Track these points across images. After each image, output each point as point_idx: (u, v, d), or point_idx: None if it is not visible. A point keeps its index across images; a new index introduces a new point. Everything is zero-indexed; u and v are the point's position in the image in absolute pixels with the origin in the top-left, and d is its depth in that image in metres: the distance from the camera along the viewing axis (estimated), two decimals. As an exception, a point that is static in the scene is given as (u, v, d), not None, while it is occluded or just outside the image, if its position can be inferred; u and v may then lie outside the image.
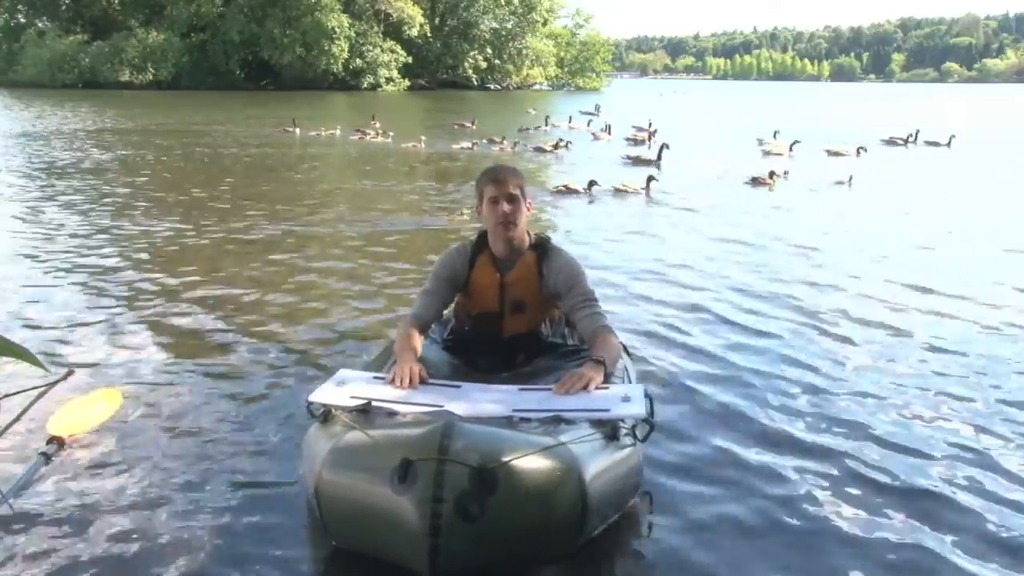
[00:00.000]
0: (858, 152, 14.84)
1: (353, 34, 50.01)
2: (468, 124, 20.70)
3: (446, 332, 3.25)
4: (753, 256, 6.48)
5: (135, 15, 50.61)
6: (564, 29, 64.51)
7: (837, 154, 14.91)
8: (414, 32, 52.39)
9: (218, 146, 15.60)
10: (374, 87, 51.19)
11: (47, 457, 2.73)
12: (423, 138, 16.45)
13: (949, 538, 2.42)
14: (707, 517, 2.52)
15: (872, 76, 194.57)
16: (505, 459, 1.95)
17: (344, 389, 2.52)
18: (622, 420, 2.38)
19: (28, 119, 22.12)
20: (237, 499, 2.58)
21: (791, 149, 15.02)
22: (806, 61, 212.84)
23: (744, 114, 31.79)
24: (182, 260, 6.12)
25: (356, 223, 7.77)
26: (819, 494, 2.67)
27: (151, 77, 47.01)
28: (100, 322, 4.50)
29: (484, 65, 58.40)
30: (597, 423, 2.32)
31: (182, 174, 11.62)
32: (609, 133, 18.82)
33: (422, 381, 2.60)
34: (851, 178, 10.90)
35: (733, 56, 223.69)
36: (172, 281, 5.46)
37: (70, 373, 2.91)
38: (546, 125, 21.60)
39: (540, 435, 2.17)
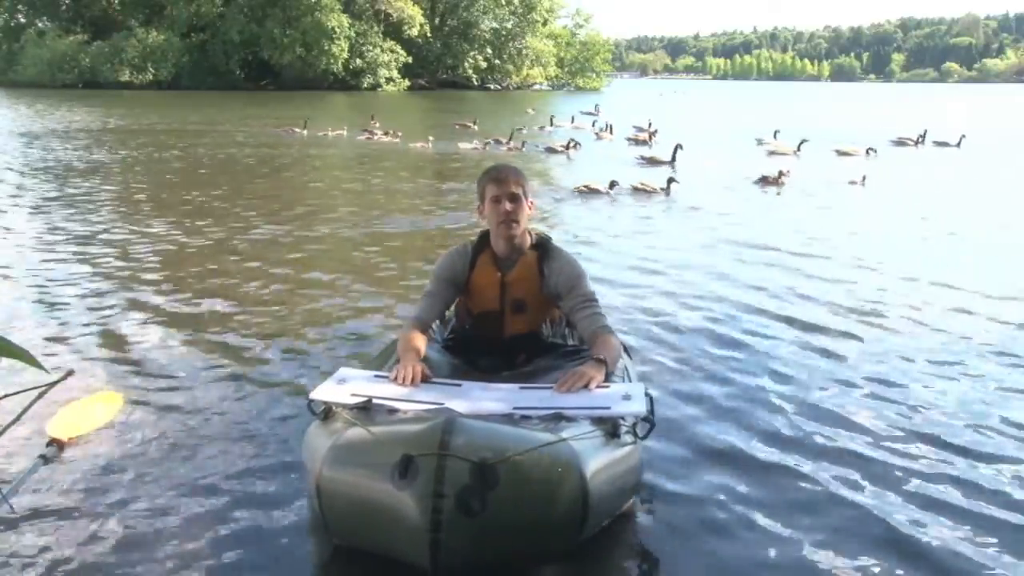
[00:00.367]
0: (868, 152, 14.80)
1: (353, 34, 50.03)
2: (470, 124, 20.70)
3: (447, 332, 3.26)
4: (764, 257, 6.45)
5: (135, 15, 50.65)
6: (564, 29, 64.52)
7: (846, 154, 14.89)
8: (414, 32, 52.40)
9: (221, 146, 15.61)
10: (374, 87, 51.21)
11: (46, 459, 2.73)
12: (431, 138, 16.48)
13: (951, 539, 2.42)
14: (707, 516, 2.52)
15: (872, 76, 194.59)
16: (506, 455, 1.96)
17: (345, 387, 2.52)
18: (623, 418, 2.38)
19: (28, 119, 22.13)
20: (238, 497, 2.58)
21: (799, 149, 14.99)
22: (806, 61, 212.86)
23: (746, 114, 31.79)
24: (183, 260, 6.12)
25: (361, 223, 7.78)
26: (820, 494, 2.67)
27: (151, 77, 47.04)
28: (100, 323, 4.50)
29: (484, 65, 58.42)
30: (598, 421, 2.32)
31: (183, 174, 11.63)
32: (611, 133, 18.86)
33: (424, 380, 2.61)
34: (864, 178, 10.89)
35: (733, 56, 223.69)
36: (173, 281, 5.46)
37: (70, 374, 2.90)
38: (551, 125, 21.66)
39: (541, 432, 2.18)
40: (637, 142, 17.50)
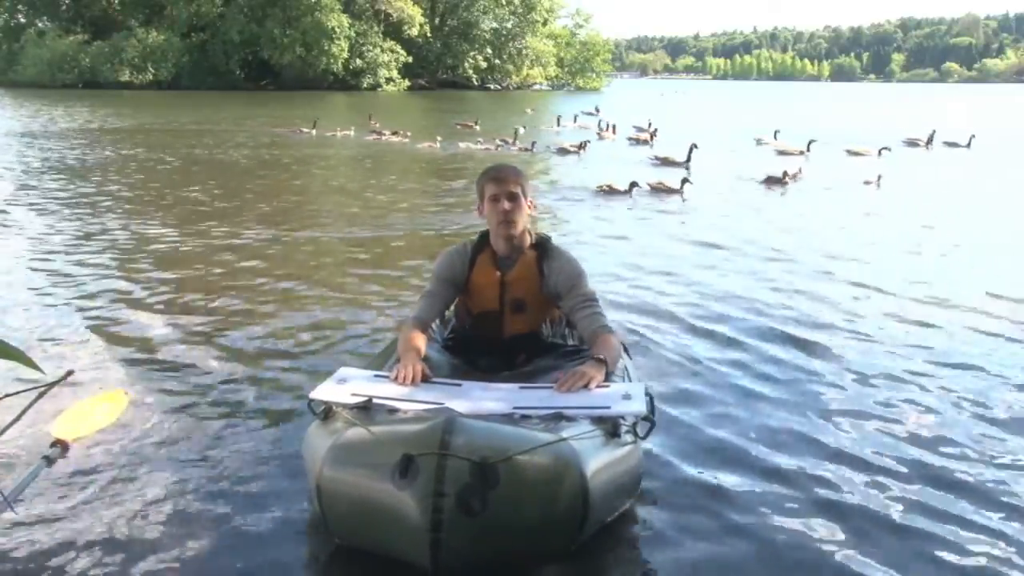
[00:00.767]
0: (880, 152, 14.78)
1: (353, 34, 50.00)
2: (471, 124, 20.69)
3: (447, 332, 3.26)
4: (773, 257, 6.41)
5: (135, 15, 50.61)
6: (564, 29, 64.49)
7: (857, 154, 14.88)
8: (414, 32, 52.38)
9: (223, 147, 15.60)
10: (374, 87, 51.20)
11: (50, 460, 2.72)
12: (439, 138, 16.50)
13: (949, 550, 2.40)
14: (707, 515, 2.52)
15: (872, 76, 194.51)
16: (506, 454, 1.96)
17: (345, 387, 2.52)
18: (623, 417, 2.38)
19: (28, 119, 22.13)
20: (238, 497, 2.58)
21: (808, 149, 14.96)
22: (806, 61, 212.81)
23: (748, 114, 31.70)
24: (184, 260, 6.12)
25: (365, 222, 7.79)
26: (821, 495, 2.67)
27: (151, 77, 47.01)
28: (101, 323, 4.50)
29: (484, 65, 58.40)
30: (598, 420, 2.32)
31: (185, 174, 11.63)
32: (614, 132, 18.90)
33: (425, 379, 2.61)
34: (880, 178, 10.88)
35: (733, 56, 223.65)
36: (174, 281, 5.46)
37: (69, 373, 2.90)
38: (557, 125, 21.73)
39: (541, 431, 2.18)
40: (638, 142, 17.53)
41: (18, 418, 2.61)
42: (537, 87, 62.05)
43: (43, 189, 9.75)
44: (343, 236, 7.16)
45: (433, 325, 3.13)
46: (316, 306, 4.87)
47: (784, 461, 2.89)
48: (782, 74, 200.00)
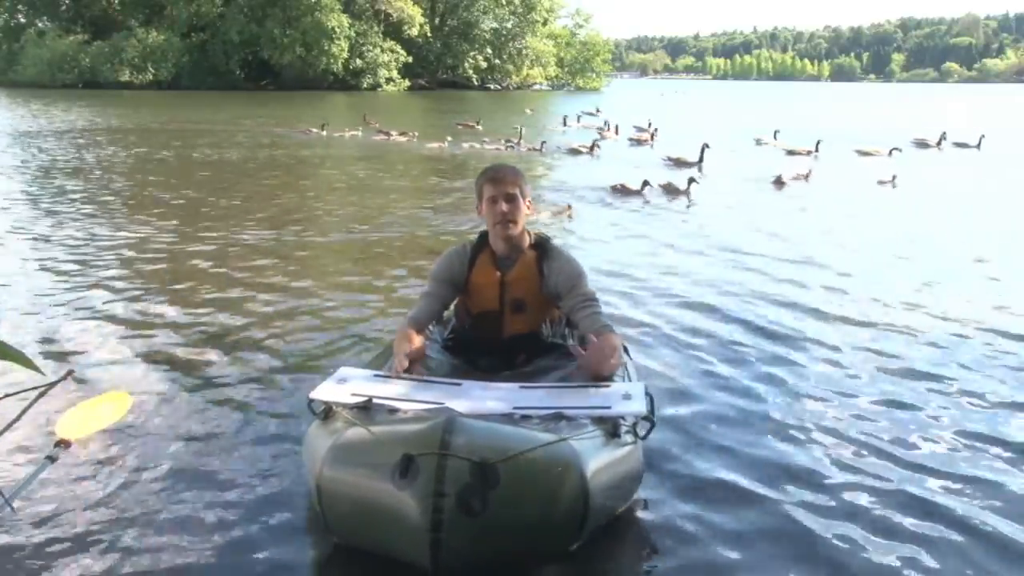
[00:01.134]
0: (891, 153, 14.74)
1: (353, 34, 50.01)
2: (473, 124, 20.69)
3: (447, 332, 3.25)
4: (780, 258, 6.35)
5: (135, 15, 50.62)
6: (564, 29, 64.50)
7: (868, 154, 14.86)
8: (414, 32, 52.39)
9: (227, 147, 15.58)
10: (374, 87, 51.20)
11: (52, 460, 2.72)
12: (448, 138, 16.51)
13: (950, 547, 2.39)
14: (707, 515, 2.52)
15: (872, 76, 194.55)
16: (506, 454, 1.96)
17: (345, 387, 2.52)
18: (623, 417, 2.38)
19: (28, 119, 22.13)
20: (239, 497, 2.58)
21: (816, 149, 14.95)
22: (806, 61, 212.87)
23: (749, 114, 31.58)
24: (185, 260, 6.11)
25: (369, 223, 7.77)
26: (821, 495, 2.67)
27: (151, 77, 47.03)
28: (101, 323, 4.50)
29: (484, 65, 58.41)
30: (598, 420, 2.32)
31: (186, 175, 11.62)
32: (616, 132, 18.94)
33: (414, 372, 2.63)
34: (894, 178, 10.87)
35: (733, 56, 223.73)
36: (175, 281, 5.46)
37: (70, 373, 2.90)
38: (564, 125, 21.78)
39: (541, 431, 2.18)
40: (639, 142, 17.56)
41: (18, 418, 2.60)
42: (537, 87, 62.06)
43: (43, 189, 9.75)
44: (345, 236, 7.16)
45: (432, 325, 3.13)
46: (317, 306, 4.87)
47: (785, 461, 2.89)
48: (782, 74, 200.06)
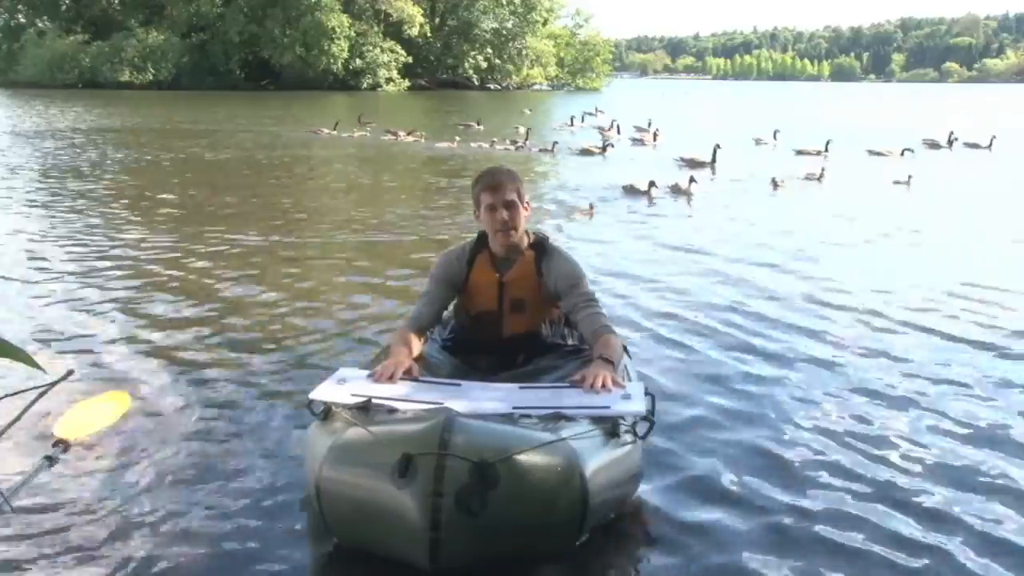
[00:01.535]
0: (903, 153, 14.71)
1: (353, 34, 49.96)
2: (474, 125, 20.68)
3: (446, 332, 3.25)
4: (784, 258, 6.34)
5: (135, 15, 50.56)
6: (564, 29, 64.42)
7: (879, 154, 14.85)
8: (414, 32, 52.34)
9: (228, 147, 15.59)
10: (374, 87, 51.16)
11: (51, 460, 2.72)
12: (457, 138, 16.50)
13: (952, 548, 2.39)
14: (707, 515, 2.52)
15: (872, 76, 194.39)
16: (505, 454, 1.96)
17: (345, 387, 2.53)
18: (622, 417, 2.38)
19: (28, 119, 22.13)
20: (239, 497, 2.59)
21: (826, 149, 14.94)
22: (806, 61, 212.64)
23: (751, 114, 31.51)
24: (186, 260, 6.12)
25: (371, 223, 7.77)
26: (820, 495, 2.67)
27: (151, 77, 47.01)
28: (101, 323, 4.50)
29: (484, 65, 58.37)
30: (598, 420, 2.32)
31: (186, 175, 11.63)
32: (618, 132, 18.95)
33: (408, 374, 2.62)
34: (909, 178, 10.87)
35: (733, 56, 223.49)
36: (175, 281, 5.46)
37: (70, 373, 2.90)
38: (571, 124, 21.86)
39: (541, 431, 2.18)
40: (642, 142, 17.57)
41: (18, 418, 2.61)
42: (537, 87, 62.02)
43: (43, 189, 9.76)
44: (347, 236, 7.16)
45: (432, 326, 3.13)
46: (317, 307, 4.88)
47: (784, 461, 2.90)
48: (782, 74, 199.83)
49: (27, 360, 1.04)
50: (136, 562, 2.24)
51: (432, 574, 1.96)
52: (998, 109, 40.26)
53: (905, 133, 19.16)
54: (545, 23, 61.00)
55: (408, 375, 2.63)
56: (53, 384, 2.84)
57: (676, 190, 9.84)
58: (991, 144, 17.15)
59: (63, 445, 2.82)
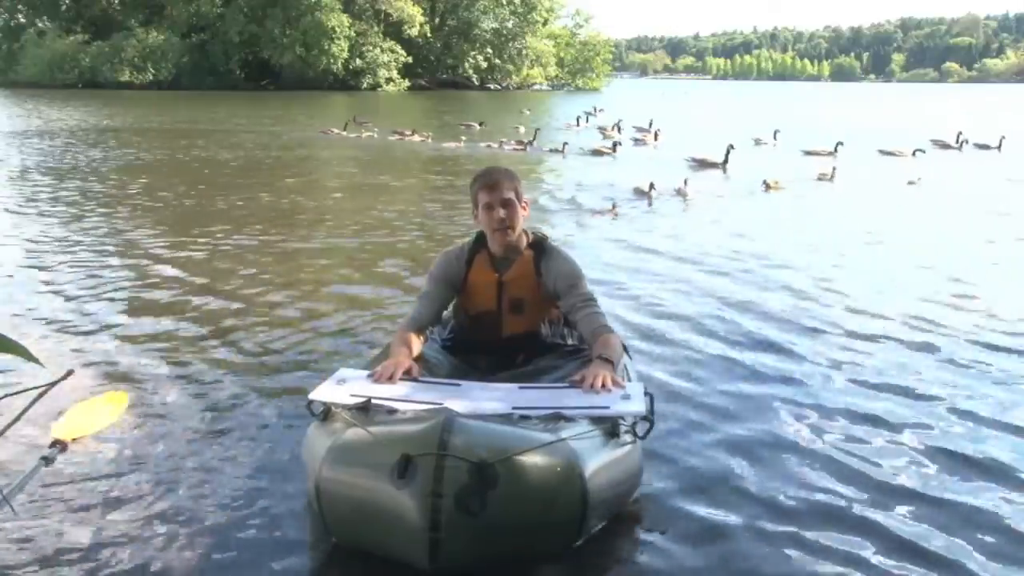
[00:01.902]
0: (914, 153, 14.69)
1: (353, 34, 49.99)
2: (474, 125, 20.68)
3: (446, 332, 3.25)
4: (788, 259, 6.31)
5: (135, 15, 50.59)
6: (564, 29, 64.42)
7: (891, 154, 14.85)
8: (414, 32, 52.37)
9: (228, 147, 15.57)
10: (374, 87, 51.18)
11: (48, 460, 2.72)
12: (463, 139, 16.52)
13: (953, 548, 2.39)
14: (707, 515, 2.52)
15: (872, 76, 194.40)
16: (505, 454, 1.96)
17: (344, 387, 2.53)
18: (622, 417, 2.38)
19: (28, 119, 22.12)
20: (238, 498, 2.58)
21: (835, 150, 14.90)
22: (806, 61, 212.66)
23: (752, 114, 31.43)
24: (186, 260, 6.11)
25: (373, 224, 7.75)
26: (821, 495, 2.66)
27: (151, 77, 47.06)
28: (101, 323, 4.50)
29: (484, 65, 58.39)
30: (597, 420, 2.32)
31: (186, 175, 11.61)
32: (620, 132, 18.98)
33: (408, 374, 2.62)
34: (920, 179, 10.87)
35: (733, 56, 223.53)
36: (175, 282, 5.46)
37: (70, 373, 2.89)
38: (577, 125, 21.94)
39: (540, 431, 2.18)
40: (644, 143, 17.60)
41: (18, 418, 2.60)
42: (537, 87, 62.01)
43: (42, 189, 9.75)
44: (349, 237, 7.15)
45: (432, 326, 3.13)
46: (317, 307, 4.87)
47: (784, 461, 2.89)
48: (782, 74, 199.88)
49: (27, 356, 1.03)
50: (135, 562, 2.24)
51: (432, 574, 1.96)
52: (999, 109, 40.16)
53: (907, 133, 19.14)
54: (545, 23, 61.01)
55: (408, 375, 2.63)
56: (53, 384, 2.82)
57: (678, 192, 9.84)
58: (1000, 145, 17.12)
59: (60, 446, 2.82)
